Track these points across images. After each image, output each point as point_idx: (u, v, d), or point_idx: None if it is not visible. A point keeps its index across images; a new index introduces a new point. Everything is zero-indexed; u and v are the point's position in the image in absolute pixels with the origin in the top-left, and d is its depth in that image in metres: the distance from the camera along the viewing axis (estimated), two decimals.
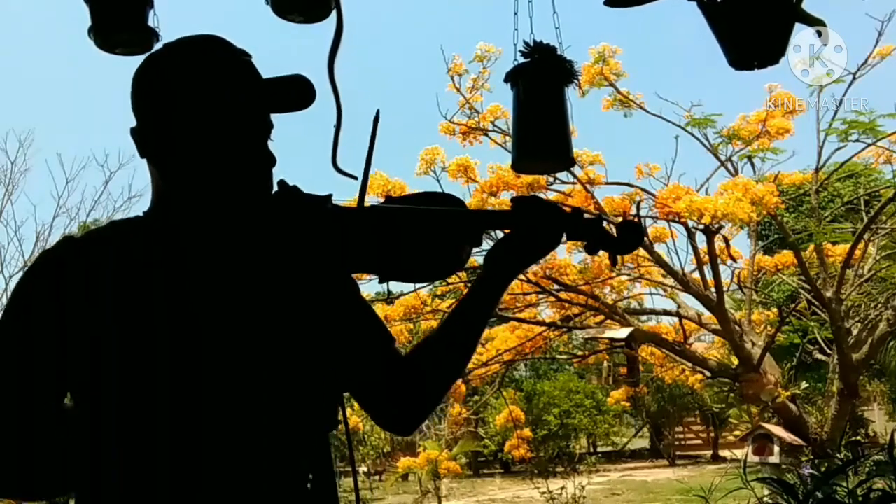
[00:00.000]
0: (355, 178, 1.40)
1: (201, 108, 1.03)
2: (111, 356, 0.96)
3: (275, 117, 1.11)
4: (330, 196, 1.14)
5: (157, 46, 1.55)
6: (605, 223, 1.19)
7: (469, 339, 1.17)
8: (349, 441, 1.37)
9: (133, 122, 1.07)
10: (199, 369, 0.98)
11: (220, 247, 1.05)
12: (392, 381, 1.14)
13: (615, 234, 1.17)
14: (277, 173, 1.11)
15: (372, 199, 1.32)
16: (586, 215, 1.19)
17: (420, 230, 1.17)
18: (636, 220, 5.47)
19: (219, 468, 0.97)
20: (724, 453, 14.26)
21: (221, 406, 0.98)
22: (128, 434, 0.96)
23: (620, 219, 5.84)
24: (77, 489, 1.00)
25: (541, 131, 2.10)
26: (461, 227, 1.18)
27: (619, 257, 1.20)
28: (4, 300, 11.01)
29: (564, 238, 1.17)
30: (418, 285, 5.48)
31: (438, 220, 1.18)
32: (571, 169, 5.09)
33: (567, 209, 1.19)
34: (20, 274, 1.07)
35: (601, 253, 1.21)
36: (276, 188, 1.11)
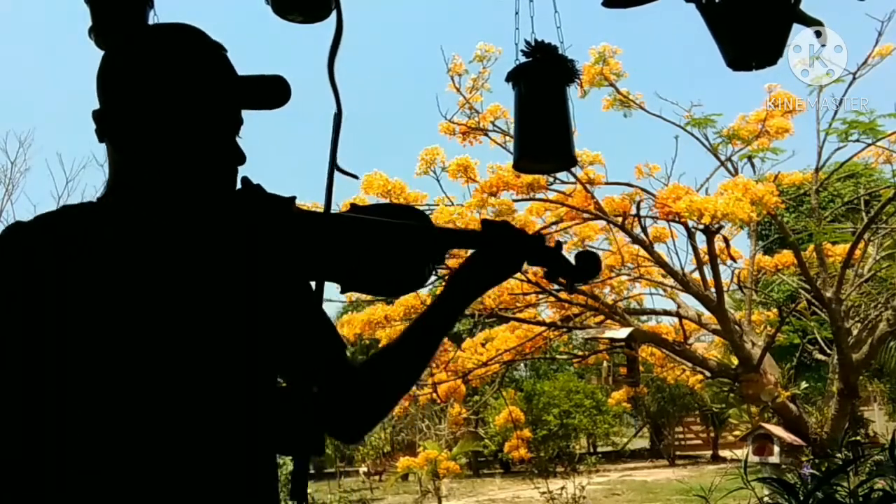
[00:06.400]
0: (356, 176, 1.41)
1: (169, 96, 1.00)
2: (51, 343, 0.93)
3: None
4: (294, 198, 1.12)
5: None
6: (563, 251, 1.21)
7: (423, 354, 1.17)
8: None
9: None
10: (134, 362, 0.95)
11: (172, 237, 1.02)
12: (340, 388, 1.12)
13: (573, 263, 1.20)
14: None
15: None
16: (547, 243, 1.22)
17: (385, 243, 1.16)
18: (641, 218, 5.48)
19: (149, 465, 0.94)
20: (724, 453, 14.25)
21: (156, 401, 0.95)
22: (66, 426, 0.93)
23: (620, 219, 5.84)
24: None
25: (543, 131, 2.10)
26: (426, 244, 1.18)
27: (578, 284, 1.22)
28: None
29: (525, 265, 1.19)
30: None
31: (404, 234, 1.17)
32: (571, 169, 5.09)
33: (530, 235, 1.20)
34: None
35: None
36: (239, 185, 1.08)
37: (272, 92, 1.06)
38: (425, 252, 1.17)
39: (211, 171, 1.03)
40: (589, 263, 1.20)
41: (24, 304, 0.94)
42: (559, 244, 1.20)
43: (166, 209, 1.02)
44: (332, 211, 1.22)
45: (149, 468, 0.94)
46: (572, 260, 1.20)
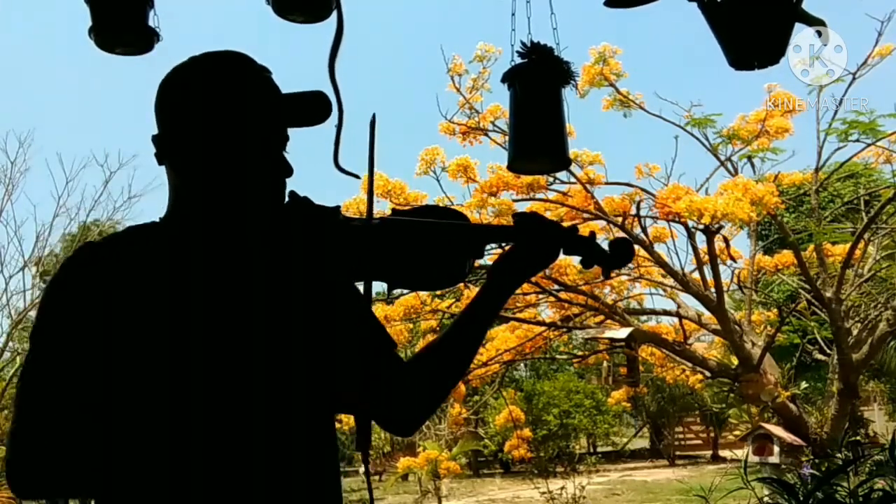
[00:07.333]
0: (357, 176, 1.43)
1: (222, 121, 1.07)
2: (130, 360, 1.00)
3: None
4: (338, 207, 1.19)
5: (163, 50, 1.54)
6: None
7: (470, 346, 1.22)
8: (364, 442, 1.39)
9: (153, 129, 1.11)
10: (207, 372, 1.01)
11: (233, 252, 1.09)
12: (393, 384, 1.18)
13: (607, 250, 1.24)
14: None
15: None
16: (580, 232, 1.27)
17: (427, 243, 1.22)
18: (641, 218, 5.49)
19: (221, 468, 1.00)
20: (724, 453, 14.25)
21: (225, 408, 1.01)
22: (140, 436, 1.00)
23: (620, 219, 5.84)
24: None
25: (537, 131, 2.11)
26: (466, 241, 1.24)
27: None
28: (4, 300, 11.01)
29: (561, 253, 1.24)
30: None
31: (445, 233, 1.23)
32: (571, 169, 5.09)
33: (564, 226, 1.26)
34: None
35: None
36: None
37: (315, 109, 1.13)
38: (465, 248, 1.24)
39: (264, 187, 1.10)
40: (622, 250, 1.25)
41: (93, 317, 1.00)
42: (593, 234, 1.24)
43: (224, 225, 1.09)
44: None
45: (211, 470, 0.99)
46: (606, 247, 1.25)
